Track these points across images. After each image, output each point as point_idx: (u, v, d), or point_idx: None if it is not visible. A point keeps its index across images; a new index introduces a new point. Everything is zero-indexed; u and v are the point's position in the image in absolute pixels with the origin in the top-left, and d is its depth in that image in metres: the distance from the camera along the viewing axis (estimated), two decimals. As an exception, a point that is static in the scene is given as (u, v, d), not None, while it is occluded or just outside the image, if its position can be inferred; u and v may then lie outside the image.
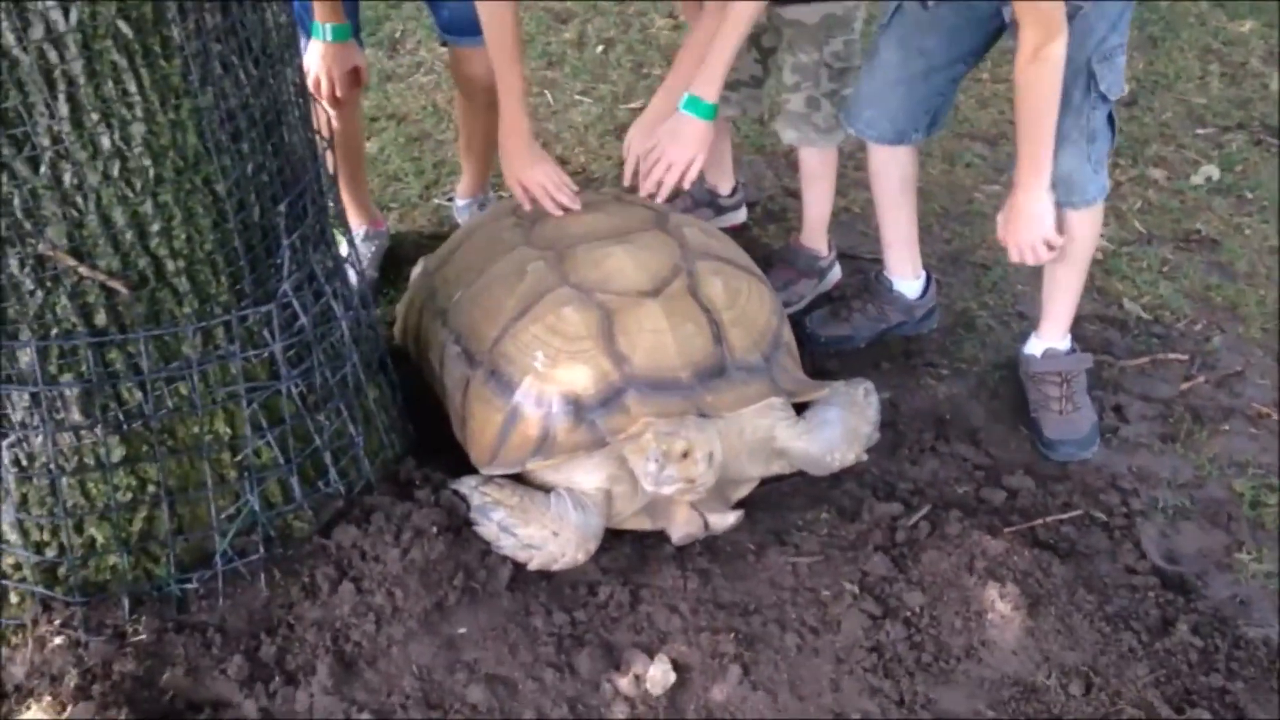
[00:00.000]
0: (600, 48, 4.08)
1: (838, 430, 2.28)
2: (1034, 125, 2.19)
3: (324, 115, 2.18)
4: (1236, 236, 3.06)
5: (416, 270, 2.87)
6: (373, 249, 3.01)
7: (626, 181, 2.45)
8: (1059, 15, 2.09)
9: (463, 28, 2.66)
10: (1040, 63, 2.11)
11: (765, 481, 2.32)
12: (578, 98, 3.81)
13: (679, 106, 2.35)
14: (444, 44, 2.87)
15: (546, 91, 3.82)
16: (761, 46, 2.82)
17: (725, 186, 3.16)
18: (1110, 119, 2.28)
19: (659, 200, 2.39)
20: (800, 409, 2.30)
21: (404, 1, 4.26)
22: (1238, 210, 3.17)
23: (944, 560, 2.05)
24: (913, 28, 2.42)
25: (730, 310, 2.25)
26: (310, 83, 2.54)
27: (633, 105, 3.74)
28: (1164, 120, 3.55)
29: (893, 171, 2.62)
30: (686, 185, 2.33)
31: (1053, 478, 2.30)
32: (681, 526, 2.17)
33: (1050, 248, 2.32)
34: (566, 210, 2.44)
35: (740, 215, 3.22)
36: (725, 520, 2.19)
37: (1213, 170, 3.32)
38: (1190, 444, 2.41)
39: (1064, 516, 2.18)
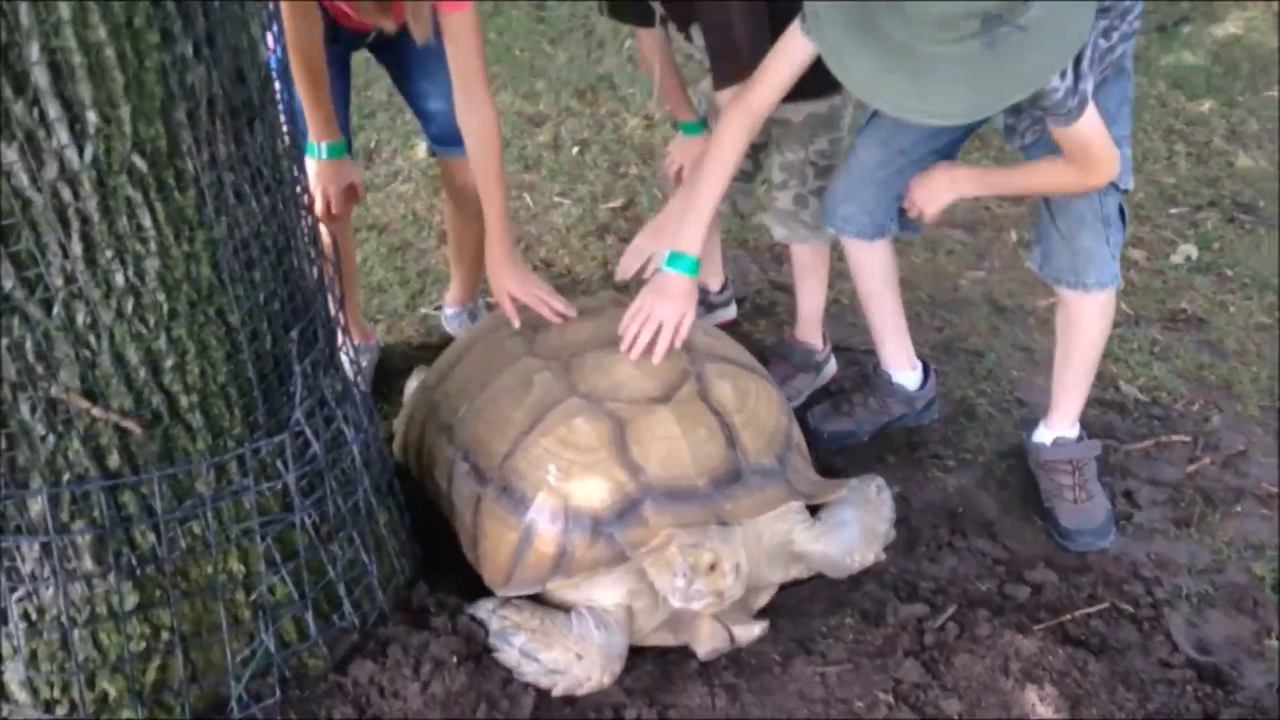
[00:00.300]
0: (576, 149, 4.11)
1: (855, 531, 2.25)
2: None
3: (327, 236, 2.15)
4: (1222, 314, 3.11)
5: (411, 383, 2.83)
6: (364, 362, 2.97)
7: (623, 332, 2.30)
8: (1109, 164, 2.12)
9: (454, 139, 2.66)
10: (1089, 180, 2.16)
11: (784, 587, 2.28)
12: (557, 199, 3.82)
13: (662, 263, 2.29)
14: (434, 154, 2.87)
15: (525, 195, 3.83)
16: (752, 143, 2.85)
17: (715, 283, 3.17)
18: (1121, 210, 2.31)
19: (654, 361, 2.24)
20: (814, 509, 2.28)
21: (378, 112, 4.28)
22: (1220, 288, 3.23)
23: (977, 663, 2.01)
24: (891, 128, 2.44)
25: (741, 413, 2.23)
26: (318, 204, 2.54)
27: (612, 205, 3.77)
28: (1138, 201, 3.62)
29: (873, 267, 2.62)
30: (678, 345, 2.25)
31: (1074, 569, 2.29)
32: (707, 641, 2.11)
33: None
34: (565, 317, 2.42)
35: (730, 312, 3.23)
36: (750, 631, 2.14)
37: (1191, 249, 3.38)
38: (1204, 528, 2.41)
39: (1091, 610, 2.16)
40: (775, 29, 2.25)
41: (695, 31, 2.48)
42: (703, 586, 1.96)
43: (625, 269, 2.47)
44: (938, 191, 2.38)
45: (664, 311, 2.23)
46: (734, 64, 2.34)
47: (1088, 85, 1.98)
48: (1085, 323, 2.35)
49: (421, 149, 3.97)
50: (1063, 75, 1.92)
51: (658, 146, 4.06)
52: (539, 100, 4.44)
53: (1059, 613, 2.15)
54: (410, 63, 2.68)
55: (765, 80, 2.20)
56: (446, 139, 2.71)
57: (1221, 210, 3.60)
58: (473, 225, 2.91)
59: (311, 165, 2.51)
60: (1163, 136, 4.07)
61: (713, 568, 1.97)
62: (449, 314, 3.18)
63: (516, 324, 2.46)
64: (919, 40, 1.83)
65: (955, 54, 1.82)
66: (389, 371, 3.06)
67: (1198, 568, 2.31)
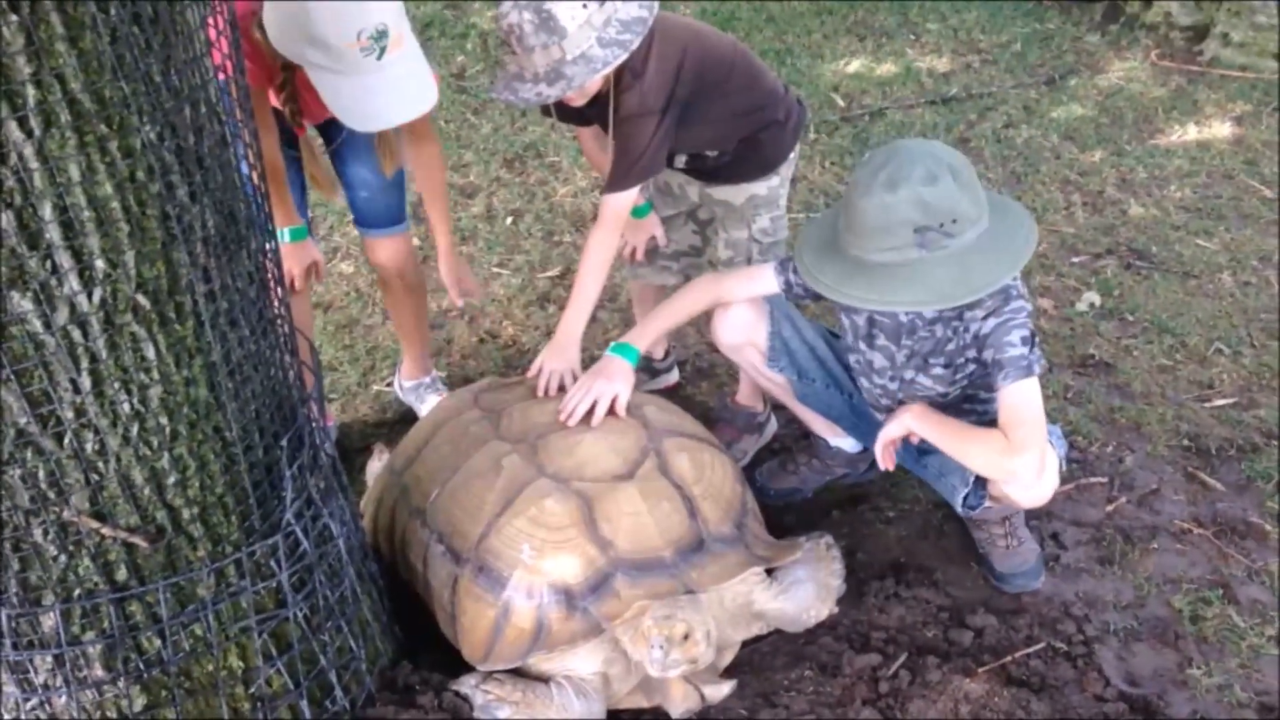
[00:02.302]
0: (509, 219, 4.25)
1: (810, 588, 2.42)
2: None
3: (304, 345, 2.26)
4: (1127, 358, 3.35)
5: (373, 463, 2.93)
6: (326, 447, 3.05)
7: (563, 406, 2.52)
8: (1035, 443, 2.19)
9: (370, 219, 2.82)
10: (1009, 458, 2.20)
11: (745, 644, 2.43)
12: (496, 270, 3.95)
13: (609, 349, 2.58)
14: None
15: (465, 267, 3.95)
16: (698, 219, 3.04)
17: (659, 351, 3.33)
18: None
19: (593, 423, 2.46)
20: (770, 568, 2.44)
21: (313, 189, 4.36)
22: (1123, 333, 3.47)
23: (930, 708, 2.18)
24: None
25: (699, 484, 2.38)
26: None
27: (550, 273, 3.91)
28: (1041, 252, 3.87)
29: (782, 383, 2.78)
30: (620, 412, 2.49)
31: (1010, 611, 2.47)
32: (680, 703, 2.25)
33: None
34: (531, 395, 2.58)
35: (673, 376, 3.39)
36: (720, 690, 2.28)
37: (1094, 296, 3.63)
38: (1126, 564, 2.61)
39: (1030, 650, 2.34)
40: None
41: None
42: (679, 656, 2.10)
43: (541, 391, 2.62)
44: (895, 421, 2.41)
45: (600, 388, 2.47)
46: (628, 174, 2.58)
47: (1037, 354, 2.23)
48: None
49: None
50: (1023, 341, 2.21)
51: (589, 215, 4.22)
52: (469, 171, 4.57)
53: (1000, 655, 2.33)
54: (339, 147, 2.83)
55: (736, 285, 2.64)
56: (366, 220, 2.86)
57: (1119, 258, 3.86)
58: (403, 300, 3.08)
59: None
60: (1060, 187, 4.33)
61: (686, 637, 2.11)
62: (406, 386, 3.29)
63: (459, 302, 2.91)
64: (866, 253, 2.20)
65: (897, 260, 2.17)
66: (346, 450, 3.15)
67: (1122, 603, 2.51)
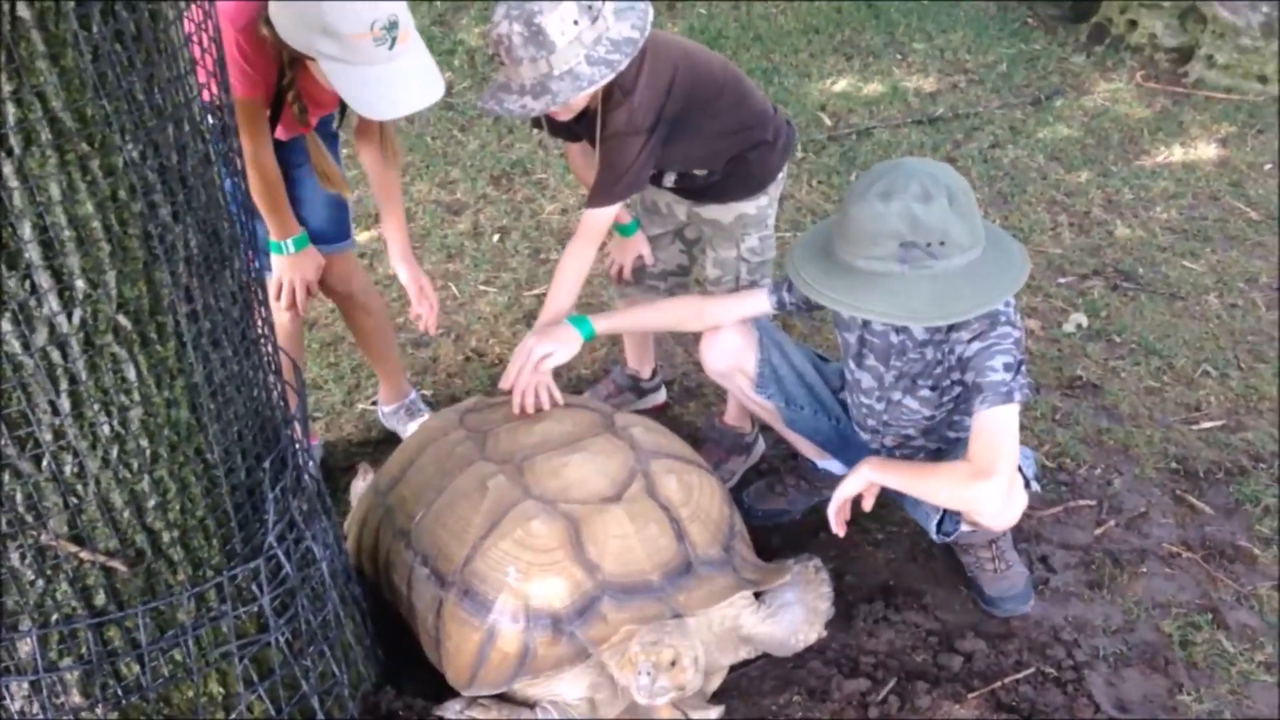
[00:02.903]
0: (496, 237, 4.23)
1: (798, 611, 2.40)
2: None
3: (288, 364, 2.24)
4: (1115, 380, 3.34)
5: (358, 483, 2.90)
6: (310, 467, 3.02)
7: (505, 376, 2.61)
8: (1005, 467, 2.19)
9: (322, 238, 2.79)
10: (975, 483, 2.19)
11: (733, 668, 2.41)
12: (482, 288, 3.93)
13: (568, 318, 2.61)
14: None
15: (451, 284, 3.93)
16: (685, 238, 3.02)
17: (646, 371, 3.31)
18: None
19: (501, 385, 2.59)
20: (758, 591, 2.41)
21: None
22: (1111, 354, 3.47)
23: (920, 734, 2.17)
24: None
25: (686, 507, 2.36)
26: (284, 295, 2.68)
27: (537, 291, 3.88)
28: (1029, 272, 3.86)
29: (770, 408, 2.77)
30: (546, 369, 2.55)
31: (1000, 636, 2.45)
32: (668, 728, 2.23)
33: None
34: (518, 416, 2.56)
35: (660, 396, 3.37)
36: (708, 716, 2.26)
37: (1081, 318, 3.63)
38: (1115, 588, 2.60)
39: (1019, 676, 2.33)
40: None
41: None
42: (666, 682, 2.08)
43: (508, 378, 2.61)
44: (851, 478, 2.36)
45: (532, 346, 2.54)
46: (611, 190, 2.58)
47: (1020, 382, 2.23)
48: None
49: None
50: (1006, 367, 2.20)
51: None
52: (456, 188, 4.55)
53: (990, 680, 2.31)
54: (292, 169, 2.78)
55: (724, 308, 2.67)
56: (314, 237, 2.82)
57: (1105, 279, 3.87)
58: (361, 322, 3.08)
59: (280, 262, 2.61)
60: (1046, 208, 4.34)
61: (674, 663, 2.09)
62: (386, 411, 3.26)
63: (421, 315, 2.91)
64: (852, 258, 2.21)
65: (879, 270, 2.17)
66: (331, 469, 3.12)
67: (1112, 628, 2.50)
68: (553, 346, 2.56)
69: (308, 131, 2.65)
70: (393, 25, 2.27)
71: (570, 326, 2.59)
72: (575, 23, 2.36)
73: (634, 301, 3.20)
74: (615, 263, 3.05)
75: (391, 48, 2.28)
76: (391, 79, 2.33)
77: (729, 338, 2.63)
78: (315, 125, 2.66)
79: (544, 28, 2.34)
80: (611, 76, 2.40)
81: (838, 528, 2.38)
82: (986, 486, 2.17)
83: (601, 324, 2.65)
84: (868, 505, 2.39)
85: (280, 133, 2.60)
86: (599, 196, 2.59)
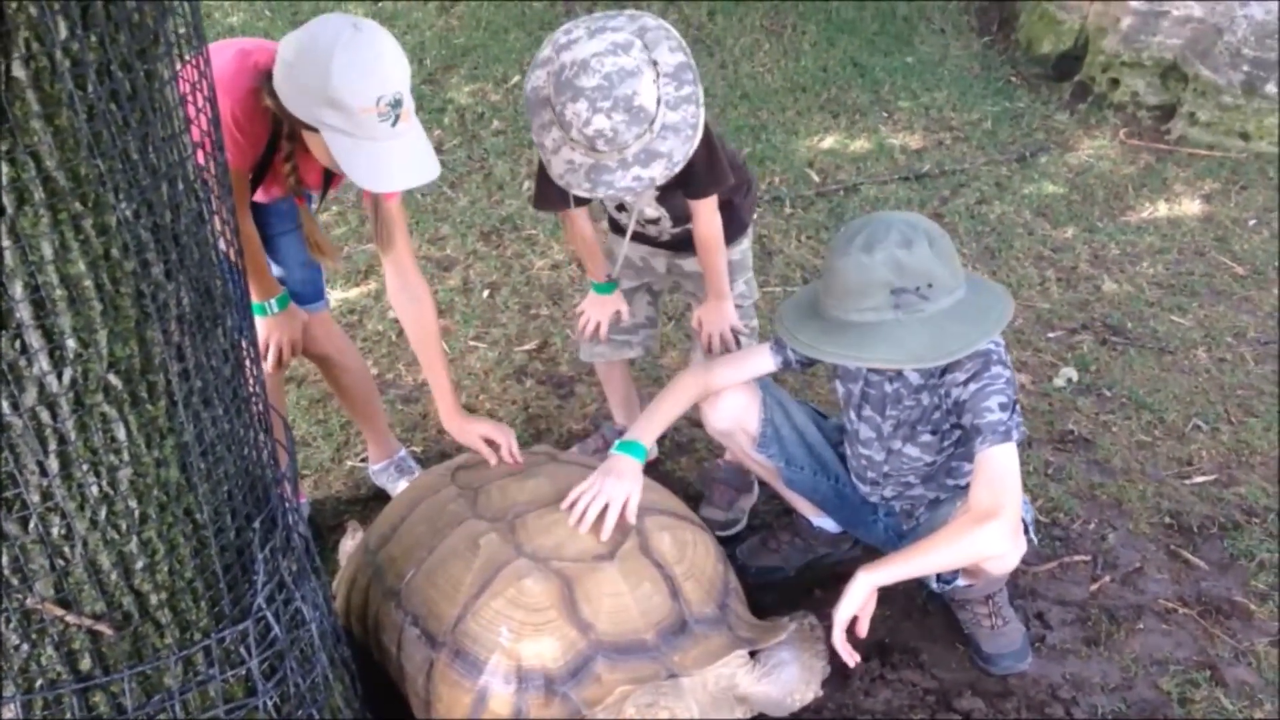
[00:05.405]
0: (486, 292, 4.23)
1: (794, 670, 2.37)
2: None
3: (279, 423, 2.22)
4: (1106, 434, 3.34)
5: (347, 542, 2.87)
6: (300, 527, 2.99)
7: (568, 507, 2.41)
8: (1013, 505, 2.18)
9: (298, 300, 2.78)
10: (982, 527, 2.16)
11: (728, 728, 2.37)
12: (472, 344, 3.93)
13: (614, 447, 2.50)
14: None
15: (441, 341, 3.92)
16: (653, 290, 3.04)
17: (640, 430, 3.29)
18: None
19: (602, 537, 2.33)
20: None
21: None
22: (1101, 409, 3.48)
23: (920, 795, 2.13)
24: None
25: (681, 564, 2.34)
26: (270, 355, 2.66)
27: (527, 347, 3.88)
28: (1018, 328, 3.89)
29: (770, 467, 2.77)
30: (631, 520, 2.38)
31: (998, 694, 2.43)
32: (663, 792, 2.19)
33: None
34: (510, 472, 2.53)
35: (653, 452, 3.35)
36: (704, 778, 2.22)
37: (1071, 372, 3.64)
38: (1111, 645, 2.58)
39: (1019, 735, 2.31)
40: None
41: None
42: (661, 744, 2.04)
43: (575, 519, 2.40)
44: (847, 597, 2.23)
45: (612, 489, 2.37)
46: (716, 181, 2.61)
47: (1017, 420, 2.24)
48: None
49: (331, 297, 4.04)
50: (1001, 407, 2.21)
51: (566, 288, 4.21)
52: (446, 244, 4.56)
53: (989, 740, 2.29)
54: (269, 231, 2.80)
55: (730, 370, 2.63)
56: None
57: (1094, 333, 3.89)
58: (342, 381, 3.07)
59: (264, 323, 2.61)
60: (1034, 263, 4.37)
61: (669, 724, 2.06)
62: (375, 470, 3.24)
63: (493, 461, 2.60)
64: (845, 314, 2.23)
65: (874, 320, 2.19)
66: (319, 527, 3.09)
67: (1110, 686, 2.47)
68: (630, 485, 2.40)
69: (301, 203, 2.66)
70: (397, 103, 2.28)
71: (629, 458, 2.47)
72: (655, 81, 2.35)
73: (610, 367, 3.19)
74: (591, 320, 3.03)
75: (394, 125, 2.29)
76: (392, 155, 2.34)
77: (733, 398, 2.63)
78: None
79: (644, 105, 2.32)
80: (703, 113, 2.39)
81: (849, 658, 2.22)
82: (995, 525, 2.16)
83: (646, 437, 2.54)
84: (863, 629, 2.23)
85: (260, 196, 2.61)
86: (710, 186, 2.63)
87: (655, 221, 2.82)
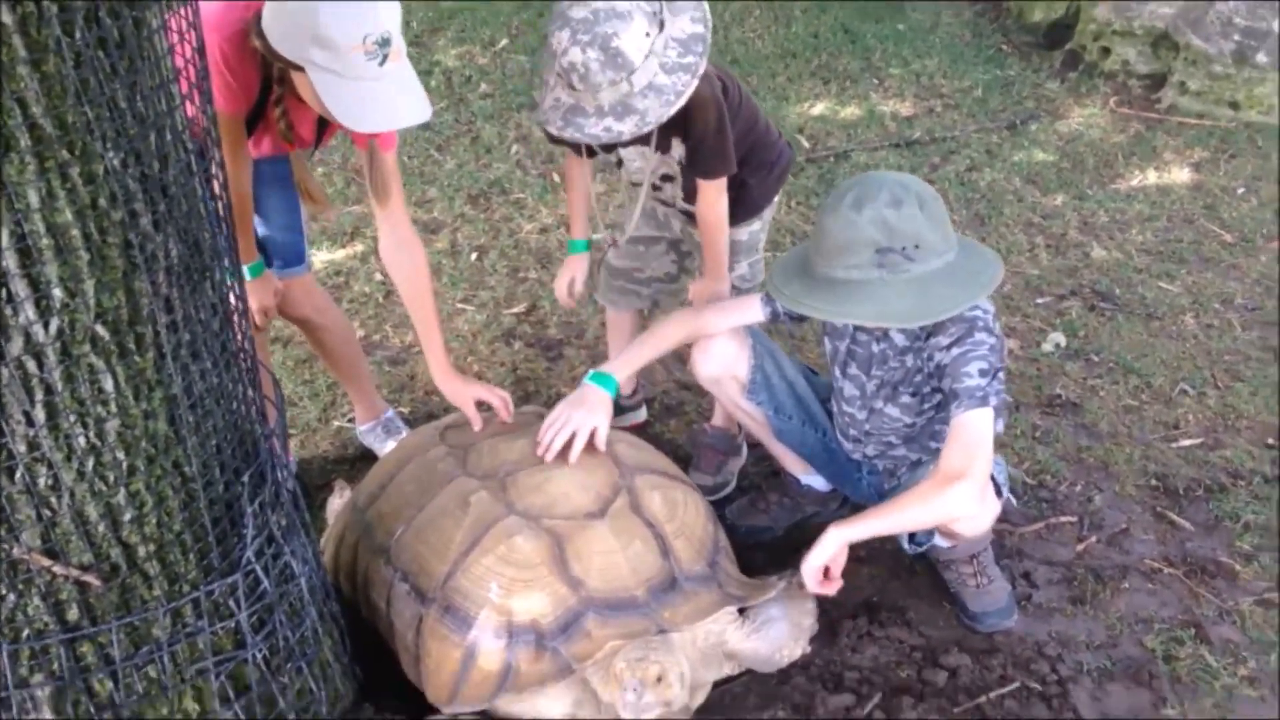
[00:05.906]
0: (474, 255, 4.21)
1: (783, 627, 2.38)
2: None
3: (267, 379, 2.21)
4: (1093, 398, 3.36)
5: (334, 500, 2.87)
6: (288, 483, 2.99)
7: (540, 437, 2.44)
8: (976, 471, 2.18)
9: (280, 263, 2.76)
10: (951, 487, 2.17)
11: (717, 684, 2.38)
12: (460, 306, 3.91)
13: (586, 378, 2.50)
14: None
15: (430, 303, 3.90)
16: (680, 250, 3.02)
17: (627, 388, 3.29)
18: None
19: (570, 460, 2.37)
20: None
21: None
22: (1089, 374, 3.49)
23: (905, 750, 2.15)
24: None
25: (671, 522, 2.34)
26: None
27: (515, 310, 3.87)
28: (1007, 293, 3.89)
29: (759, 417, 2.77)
30: (600, 448, 2.40)
31: (984, 651, 2.44)
32: (651, 746, 2.20)
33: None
34: (499, 431, 2.52)
35: (641, 414, 3.35)
36: (692, 733, 2.24)
37: (1059, 337, 3.65)
38: (1097, 604, 2.60)
39: (1004, 691, 2.32)
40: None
41: (675, 143, 2.65)
42: (652, 698, 2.06)
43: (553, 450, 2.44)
44: (818, 547, 2.26)
45: (579, 419, 2.40)
46: (719, 166, 2.61)
47: (997, 387, 2.23)
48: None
49: (317, 259, 4.03)
50: (981, 373, 2.21)
51: (554, 251, 4.19)
52: (433, 207, 4.54)
53: (975, 695, 2.30)
54: (257, 190, 2.75)
55: (719, 317, 2.63)
56: (270, 261, 2.79)
57: (1083, 299, 3.89)
58: (325, 343, 3.05)
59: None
60: (1023, 229, 4.37)
61: (660, 679, 2.07)
62: (362, 430, 3.23)
63: (478, 426, 2.59)
64: (831, 270, 2.23)
65: (858, 278, 2.19)
66: (306, 487, 3.08)
67: (1095, 643, 2.49)
68: (598, 417, 2.42)
69: (291, 150, 2.63)
70: (385, 42, 2.25)
71: (599, 389, 2.49)
72: (647, 34, 2.32)
73: (618, 317, 3.19)
74: (561, 279, 3.06)
75: (382, 64, 2.27)
76: (379, 95, 2.31)
77: (723, 344, 2.62)
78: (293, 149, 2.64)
79: (622, 50, 2.29)
80: (695, 83, 2.36)
81: (824, 588, 2.27)
82: (961, 487, 2.17)
83: (620, 372, 2.57)
84: (834, 588, 2.27)
85: (251, 149, 2.58)
86: (713, 170, 2.62)
87: (671, 180, 2.79)
